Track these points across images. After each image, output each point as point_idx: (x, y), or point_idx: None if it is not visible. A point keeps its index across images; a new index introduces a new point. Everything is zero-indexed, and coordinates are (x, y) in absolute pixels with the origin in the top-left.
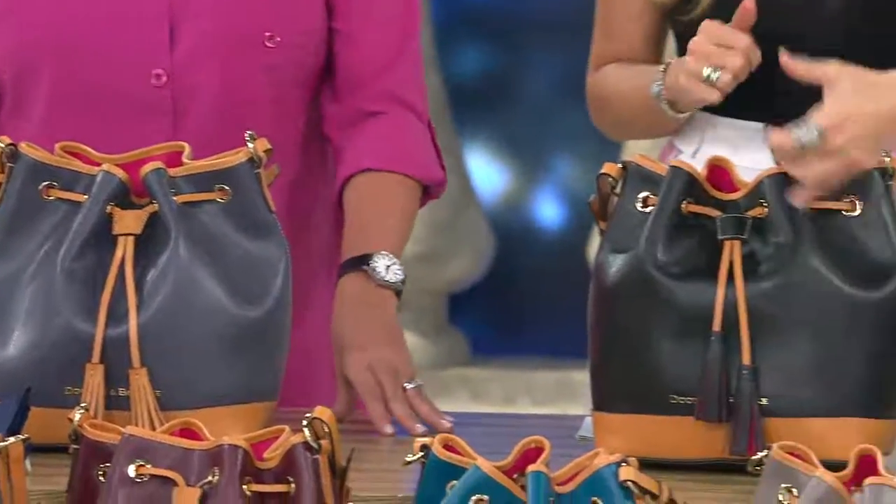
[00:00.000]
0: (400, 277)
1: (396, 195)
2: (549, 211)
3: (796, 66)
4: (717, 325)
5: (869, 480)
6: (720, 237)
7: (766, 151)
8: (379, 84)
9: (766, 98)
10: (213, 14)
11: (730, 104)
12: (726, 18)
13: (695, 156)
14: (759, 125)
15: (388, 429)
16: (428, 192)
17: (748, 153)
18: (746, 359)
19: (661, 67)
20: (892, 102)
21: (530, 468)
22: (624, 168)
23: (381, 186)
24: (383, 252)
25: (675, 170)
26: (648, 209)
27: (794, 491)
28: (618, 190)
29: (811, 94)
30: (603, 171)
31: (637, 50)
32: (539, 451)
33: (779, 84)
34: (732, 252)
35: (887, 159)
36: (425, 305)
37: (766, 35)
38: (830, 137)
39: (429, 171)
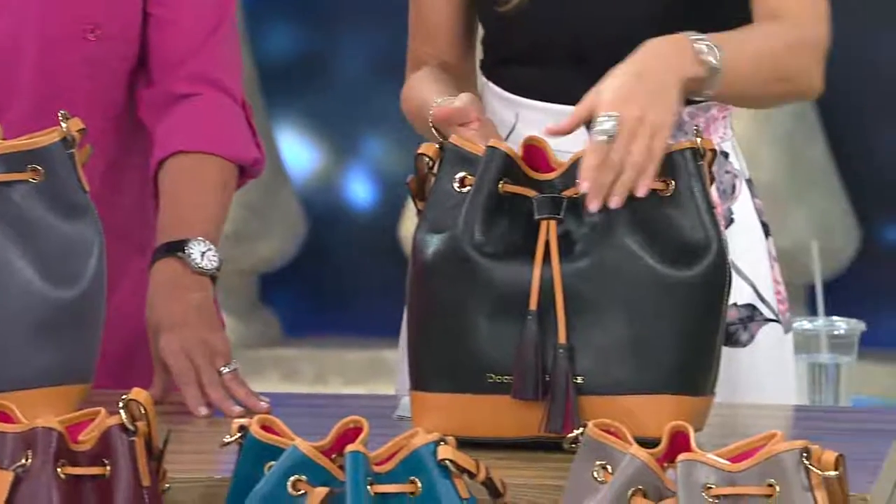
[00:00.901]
0: (216, 265)
1: (211, 177)
2: (360, 191)
3: (559, 127)
4: (533, 304)
5: (682, 457)
6: (536, 217)
7: (579, 132)
8: (190, 66)
9: (575, 83)
10: (32, 8)
11: (541, 89)
12: (542, 12)
13: (508, 138)
14: (572, 108)
15: (203, 411)
16: (245, 171)
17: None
18: (562, 337)
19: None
20: (649, 64)
21: (348, 448)
22: (441, 148)
23: (194, 169)
24: (199, 238)
25: (492, 150)
26: (466, 189)
27: (609, 468)
28: (435, 170)
29: None
30: (420, 150)
31: (445, 50)
32: (358, 431)
33: (586, 71)
34: (548, 232)
35: (698, 140)
36: (236, 285)
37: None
38: (625, 112)
39: (243, 151)
